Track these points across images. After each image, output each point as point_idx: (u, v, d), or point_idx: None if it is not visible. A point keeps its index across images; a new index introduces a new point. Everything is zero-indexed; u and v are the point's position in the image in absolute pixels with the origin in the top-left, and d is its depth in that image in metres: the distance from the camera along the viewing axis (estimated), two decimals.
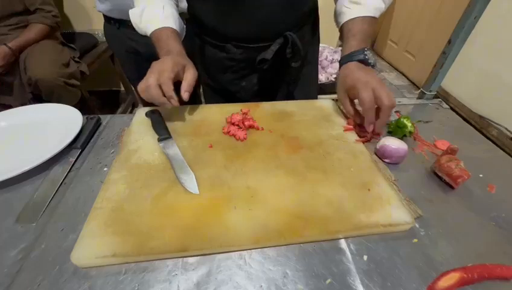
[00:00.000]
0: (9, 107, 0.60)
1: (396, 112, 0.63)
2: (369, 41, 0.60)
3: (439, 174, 0.47)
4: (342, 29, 0.61)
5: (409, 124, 0.55)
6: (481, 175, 0.49)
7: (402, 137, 0.56)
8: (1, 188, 0.44)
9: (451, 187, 0.46)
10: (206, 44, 0.70)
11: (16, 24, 1.23)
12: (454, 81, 2.06)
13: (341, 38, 0.66)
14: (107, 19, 1.08)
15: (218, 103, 0.66)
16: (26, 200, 0.42)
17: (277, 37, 0.65)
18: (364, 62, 0.55)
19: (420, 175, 0.49)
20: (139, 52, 1.11)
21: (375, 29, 0.63)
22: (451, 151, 0.49)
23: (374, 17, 0.58)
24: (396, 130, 0.56)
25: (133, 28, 1.05)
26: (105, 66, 1.72)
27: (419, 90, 0.74)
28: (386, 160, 0.50)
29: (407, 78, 2.67)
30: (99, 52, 1.61)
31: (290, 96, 0.80)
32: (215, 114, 0.59)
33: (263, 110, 0.61)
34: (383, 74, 2.81)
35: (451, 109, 0.68)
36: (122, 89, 2.06)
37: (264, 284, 0.32)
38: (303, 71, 0.78)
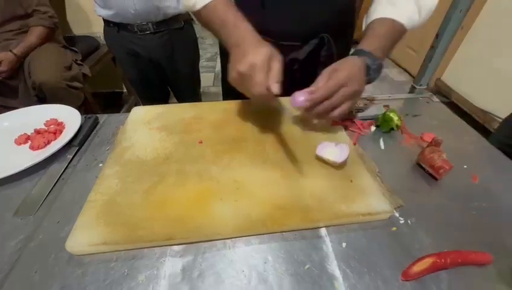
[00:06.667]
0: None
1: (385, 106, 0.64)
2: (386, 54, 0.54)
3: (423, 165, 0.48)
4: (367, 28, 0.55)
5: (395, 118, 0.56)
6: (465, 166, 0.49)
7: (389, 130, 0.57)
8: (3, 184, 0.46)
9: (435, 179, 0.47)
10: None
11: (19, 29, 1.27)
12: (457, 76, 2.04)
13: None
14: (107, 23, 1.11)
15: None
16: (26, 195, 0.44)
17: (312, 36, 0.63)
18: (367, 69, 0.50)
19: (405, 167, 0.50)
20: (139, 54, 1.14)
21: (396, 43, 0.53)
22: (435, 143, 0.49)
23: (403, 26, 0.53)
24: (383, 124, 0.57)
25: (132, 31, 1.07)
26: (107, 68, 1.76)
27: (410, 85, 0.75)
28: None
29: (410, 74, 2.65)
30: (101, 55, 1.65)
31: None
32: (206, 111, 0.61)
33: (254, 108, 0.62)
34: (385, 70, 2.79)
35: (453, 103, 0.68)
36: (125, 90, 2.10)
37: (246, 270, 0.34)
38: None
